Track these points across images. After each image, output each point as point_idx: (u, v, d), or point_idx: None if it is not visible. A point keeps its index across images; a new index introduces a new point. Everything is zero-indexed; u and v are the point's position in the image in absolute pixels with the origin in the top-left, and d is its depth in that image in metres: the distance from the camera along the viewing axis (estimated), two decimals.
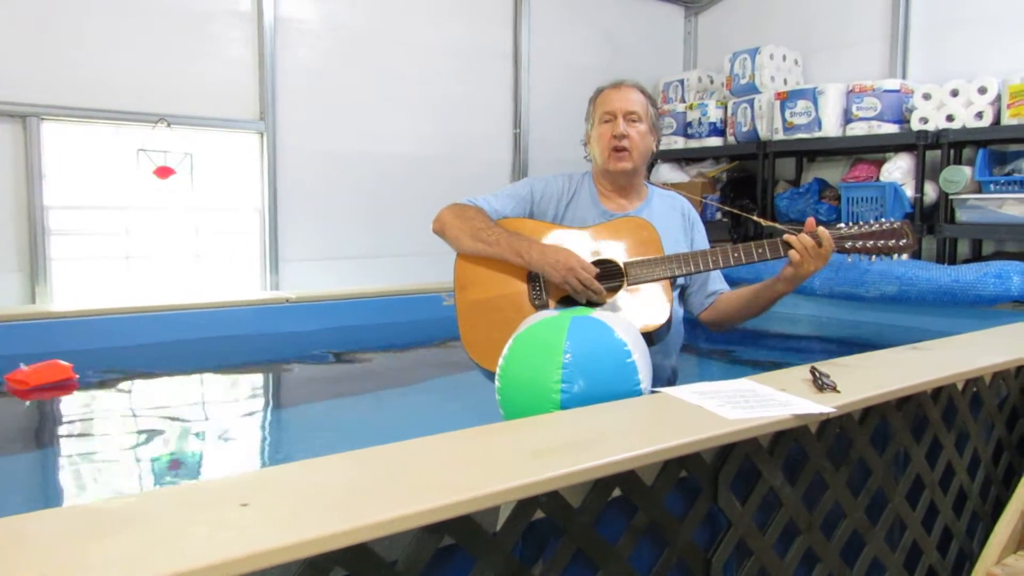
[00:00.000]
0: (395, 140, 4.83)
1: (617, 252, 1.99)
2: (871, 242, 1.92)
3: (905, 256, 1.93)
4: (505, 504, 1.08)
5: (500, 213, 2.09)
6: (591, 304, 1.92)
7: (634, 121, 2.09)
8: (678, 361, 2.23)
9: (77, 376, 2.89)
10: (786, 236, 1.90)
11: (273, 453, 2.43)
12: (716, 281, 2.18)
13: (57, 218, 3.79)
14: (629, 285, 1.95)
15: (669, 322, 1.94)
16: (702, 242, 2.23)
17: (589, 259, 1.96)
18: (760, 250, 1.93)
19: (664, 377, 2.13)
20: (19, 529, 0.88)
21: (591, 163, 2.22)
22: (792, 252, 1.89)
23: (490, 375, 1.92)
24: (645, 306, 1.94)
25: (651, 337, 1.90)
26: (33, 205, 3.68)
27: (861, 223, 1.95)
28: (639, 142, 2.10)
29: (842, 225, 1.96)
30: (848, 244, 1.93)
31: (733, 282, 2.23)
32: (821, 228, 1.90)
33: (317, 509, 0.93)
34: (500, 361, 1.60)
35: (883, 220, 1.94)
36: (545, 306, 1.97)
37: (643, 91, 2.16)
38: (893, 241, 1.91)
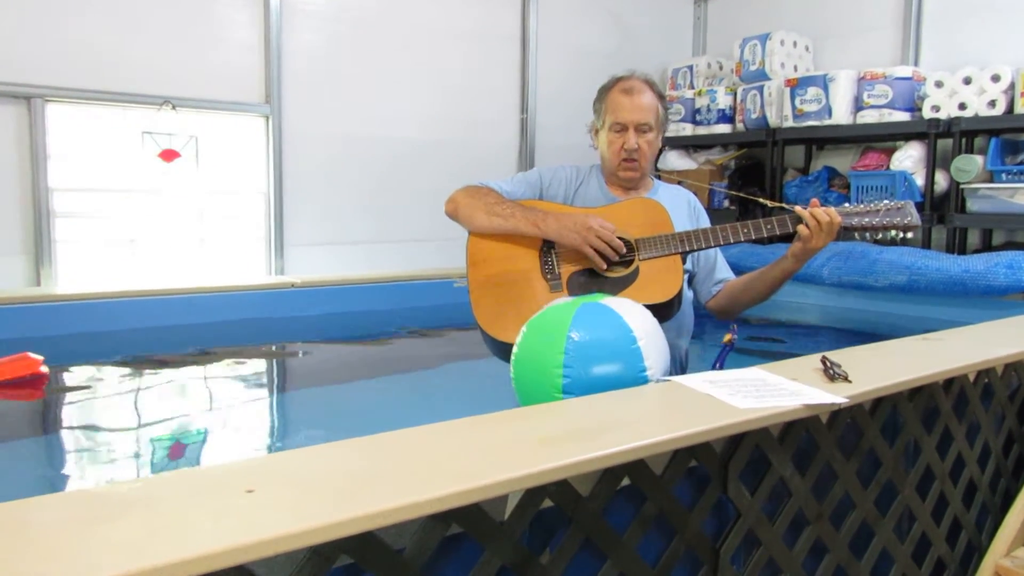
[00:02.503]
0: (401, 124, 4.80)
1: (629, 229, 2.01)
2: (876, 219, 1.95)
3: (910, 235, 1.96)
4: (513, 492, 1.06)
5: (511, 195, 2.11)
6: (601, 276, 1.95)
7: (644, 132, 2.11)
8: (689, 344, 2.24)
9: (48, 371, 2.72)
10: (796, 209, 1.93)
11: (278, 439, 2.42)
12: (723, 270, 2.20)
13: (62, 200, 3.78)
14: (641, 260, 1.96)
15: (680, 296, 1.95)
16: None
17: None
18: (769, 226, 1.95)
19: (678, 357, 2.16)
20: (22, 514, 0.87)
21: (597, 152, 2.23)
22: (801, 227, 1.91)
23: (501, 348, 1.93)
24: (656, 281, 1.96)
25: (663, 311, 1.92)
26: (38, 187, 3.67)
27: (866, 203, 1.98)
28: (648, 151, 2.13)
29: (847, 204, 1.99)
30: (855, 221, 1.95)
31: (740, 272, 2.23)
32: (827, 208, 1.92)
33: (323, 496, 0.92)
34: (515, 347, 1.60)
35: (887, 201, 1.97)
36: (557, 279, 1.99)
37: (652, 88, 2.15)
38: (898, 219, 1.94)
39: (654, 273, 1.96)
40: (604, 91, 2.18)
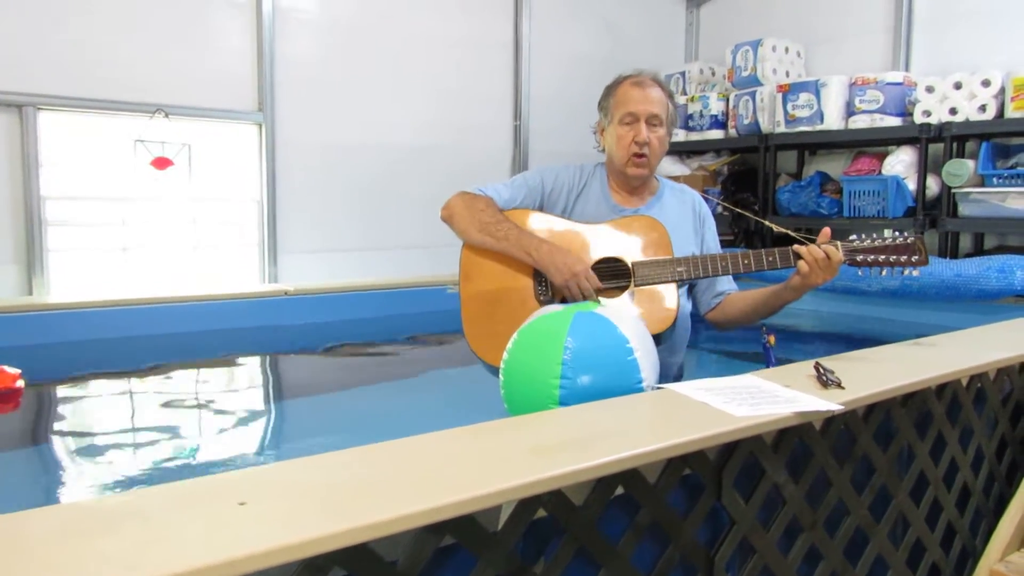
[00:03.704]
0: (394, 131, 4.80)
1: (626, 251, 1.97)
2: (883, 256, 1.90)
3: (916, 272, 1.91)
4: (506, 502, 1.06)
5: (510, 203, 2.06)
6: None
7: (655, 126, 2.06)
8: (684, 358, 2.22)
9: (23, 385, 2.63)
10: (796, 247, 1.89)
11: (271, 449, 2.41)
12: (724, 281, 2.16)
13: (54, 209, 3.76)
14: (636, 286, 1.93)
15: (674, 324, 1.93)
16: (712, 239, 2.20)
17: (598, 256, 1.93)
18: (771, 258, 1.92)
19: (671, 375, 2.12)
20: (14, 527, 0.86)
21: (602, 152, 2.17)
22: (801, 263, 1.87)
23: (491, 369, 1.91)
24: (650, 309, 1.92)
25: (656, 338, 1.88)
26: (30, 195, 3.66)
27: (875, 236, 1.93)
28: (658, 147, 2.07)
29: (854, 237, 1.93)
30: (859, 258, 1.90)
31: (736, 278, 2.21)
32: (829, 246, 1.87)
33: (316, 508, 0.92)
34: (504, 355, 1.59)
35: (896, 235, 1.92)
36: (550, 302, 1.95)
37: (663, 86, 2.11)
38: (905, 256, 1.89)
39: (649, 301, 1.92)
40: (612, 87, 2.12)
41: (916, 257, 1.90)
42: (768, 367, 1.85)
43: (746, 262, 1.93)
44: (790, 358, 2.04)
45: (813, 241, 1.90)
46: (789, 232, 2.06)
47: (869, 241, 1.92)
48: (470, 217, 2.00)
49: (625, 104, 2.06)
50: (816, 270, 1.86)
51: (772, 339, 1.94)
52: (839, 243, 1.90)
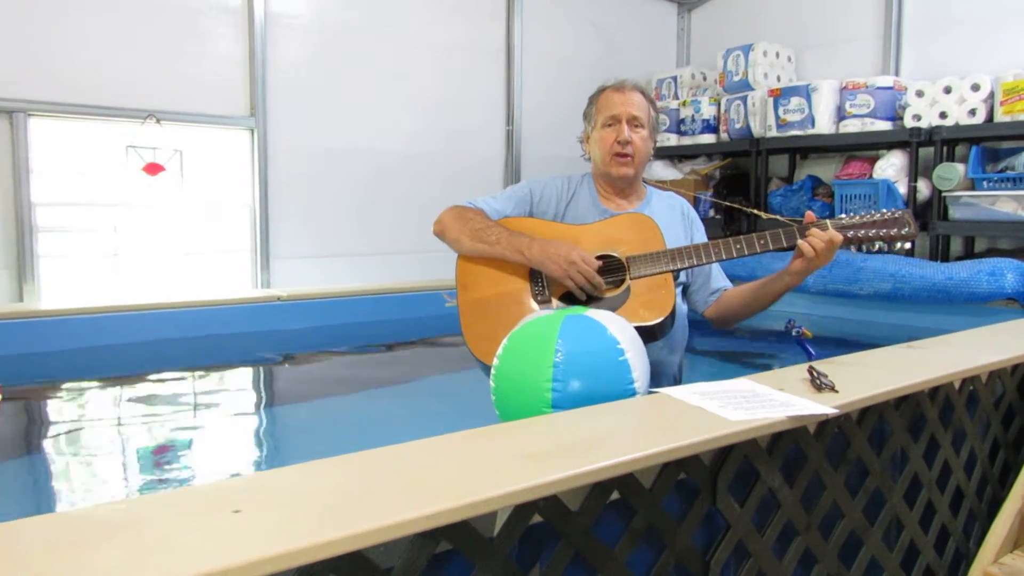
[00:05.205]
0: (387, 137, 4.80)
1: (619, 247, 1.98)
2: (872, 231, 1.90)
3: (908, 245, 1.91)
4: (502, 508, 1.06)
5: (501, 213, 2.08)
6: (592, 299, 1.91)
7: (637, 127, 2.09)
8: (683, 358, 2.22)
9: (0, 399, 2.62)
10: (800, 244, 1.89)
11: (265, 456, 2.40)
12: (719, 279, 2.17)
13: (45, 215, 3.75)
14: (632, 279, 1.93)
15: (673, 316, 1.93)
16: (701, 239, 2.21)
17: (592, 254, 1.94)
18: (762, 241, 1.91)
19: (670, 374, 2.13)
20: (6, 537, 0.85)
21: (589, 161, 2.21)
22: (803, 244, 1.87)
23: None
24: (648, 300, 1.92)
25: (655, 331, 1.89)
26: (20, 202, 3.64)
27: (863, 213, 1.93)
28: (641, 147, 2.11)
29: (843, 216, 1.94)
30: (850, 234, 1.91)
31: (731, 279, 2.22)
32: (832, 232, 1.87)
33: (311, 515, 0.91)
34: (495, 360, 1.58)
35: (884, 210, 1.92)
36: (548, 302, 1.95)
37: (644, 93, 2.15)
38: (895, 230, 1.89)
39: (646, 292, 1.93)
40: (594, 96, 2.17)
41: (906, 230, 1.89)
42: (810, 359, 1.86)
43: (738, 247, 1.92)
44: (782, 360, 2.04)
45: (799, 224, 1.91)
46: (777, 218, 2.07)
47: (858, 217, 1.92)
48: (461, 227, 2.02)
49: (607, 108, 2.10)
50: (823, 254, 1.87)
51: (807, 332, 1.94)
52: (828, 221, 1.90)
